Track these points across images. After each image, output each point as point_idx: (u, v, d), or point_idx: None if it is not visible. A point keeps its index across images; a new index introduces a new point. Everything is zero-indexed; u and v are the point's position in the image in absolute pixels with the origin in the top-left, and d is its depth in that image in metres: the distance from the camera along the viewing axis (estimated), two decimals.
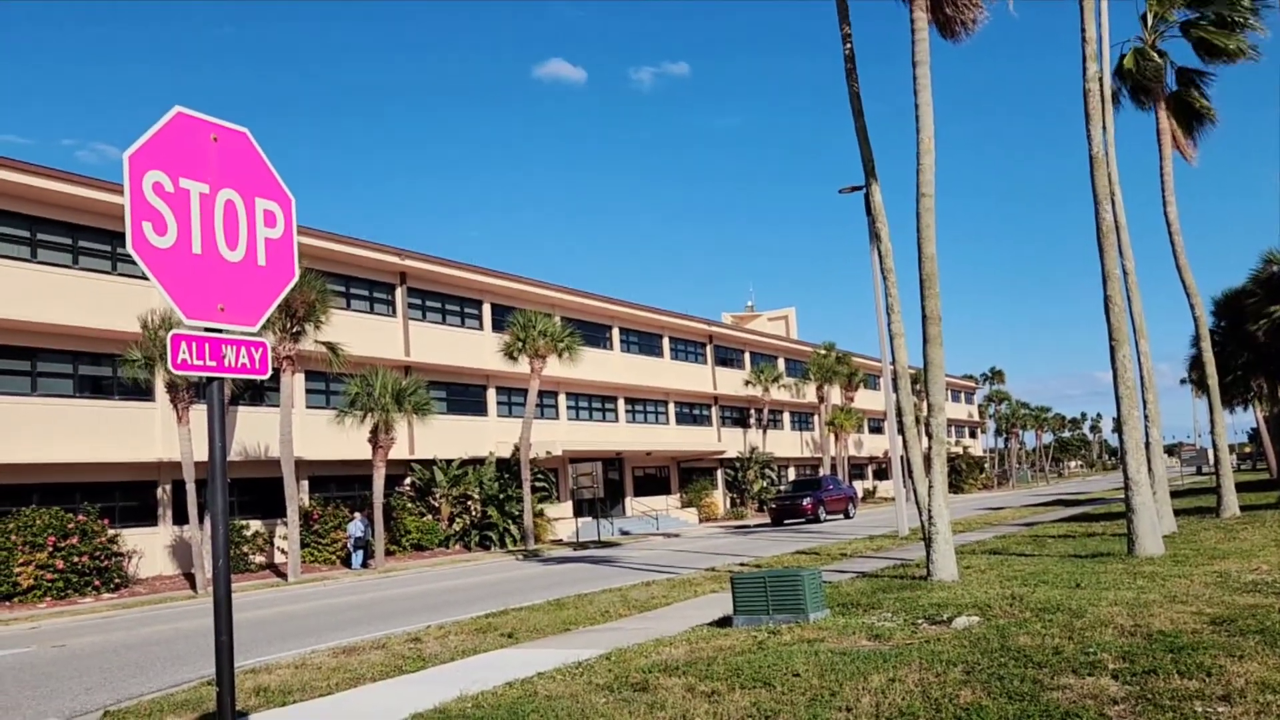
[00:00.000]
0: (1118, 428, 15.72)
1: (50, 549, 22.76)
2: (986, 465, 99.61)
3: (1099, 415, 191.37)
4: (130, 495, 27.48)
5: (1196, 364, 35.17)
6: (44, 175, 25.34)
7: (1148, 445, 17.61)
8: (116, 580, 24.35)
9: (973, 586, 12.01)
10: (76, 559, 23.23)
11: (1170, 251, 23.35)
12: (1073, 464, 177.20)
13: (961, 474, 78.64)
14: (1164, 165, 22.89)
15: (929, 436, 14.23)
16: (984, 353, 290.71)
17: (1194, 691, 5.98)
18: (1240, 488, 24.99)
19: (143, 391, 27.07)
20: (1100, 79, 16.45)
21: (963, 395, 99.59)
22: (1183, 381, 57.13)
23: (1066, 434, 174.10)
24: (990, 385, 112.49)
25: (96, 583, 23.69)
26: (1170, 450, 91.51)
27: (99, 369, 26.92)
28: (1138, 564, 13.42)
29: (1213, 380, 23.81)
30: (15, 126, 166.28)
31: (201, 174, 5.28)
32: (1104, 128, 16.55)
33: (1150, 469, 17.00)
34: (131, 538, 26.31)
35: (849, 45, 15.50)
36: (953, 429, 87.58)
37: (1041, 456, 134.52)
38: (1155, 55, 22.97)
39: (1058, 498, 50.14)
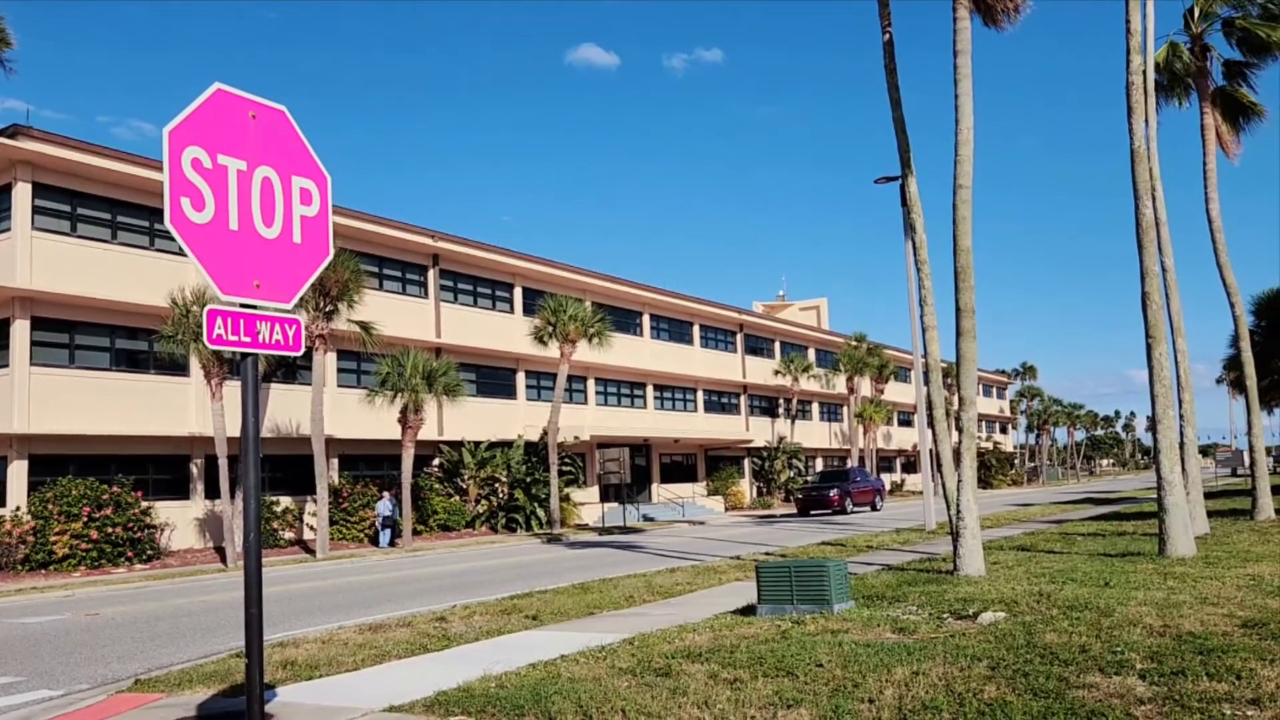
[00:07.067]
0: (1152, 426, 15.52)
1: (85, 519, 23.17)
2: (1017, 461, 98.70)
3: (1133, 414, 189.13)
4: (163, 469, 27.91)
5: (1234, 364, 34.64)
6: (84, 150, 25.68)
7: (1182, 445, 17.35)
8: (149, 552, 24.75)
9: (1000, 582, 11.92)
10: (110, 530, 23.63)
11: (1211, 249, 22.99)
12: (1105, 462, 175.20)
13: (991, 469, 78.03)
14: (1207, 161, 22.54)
15: (959, 431, 14.13)
16: (1017, 348, 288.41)
17: (1223, 694, 5.91)
18: (1276, 490, 24.57)
19: (178, 367, 27.44)
20: (1144, 72, 16.18)
21: (994, 390, 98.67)
22: (1219, 381, 56.07)
23: (1099, 432, 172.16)
24: (1022, 381, 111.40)
25: (129, 553, 24.08)
26: (1205, 451, 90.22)
27: (135, 343, 27.29)
28: (1168, 564, 13.26)
29: (1251, 381, 23.46)
30: (51, 101, 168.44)
31: (240, 151, 5.31)
32: (1146, 122, 16.28)
33: (1184, 469, 16.77)
34: (164, 510, 26.72)
35: (888, 34, 15.32)
36: (983, 424, 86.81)
37: (1073, 454, 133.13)
38: (1197, 50, 22.58)
39: (1088, 496, 49.60)
